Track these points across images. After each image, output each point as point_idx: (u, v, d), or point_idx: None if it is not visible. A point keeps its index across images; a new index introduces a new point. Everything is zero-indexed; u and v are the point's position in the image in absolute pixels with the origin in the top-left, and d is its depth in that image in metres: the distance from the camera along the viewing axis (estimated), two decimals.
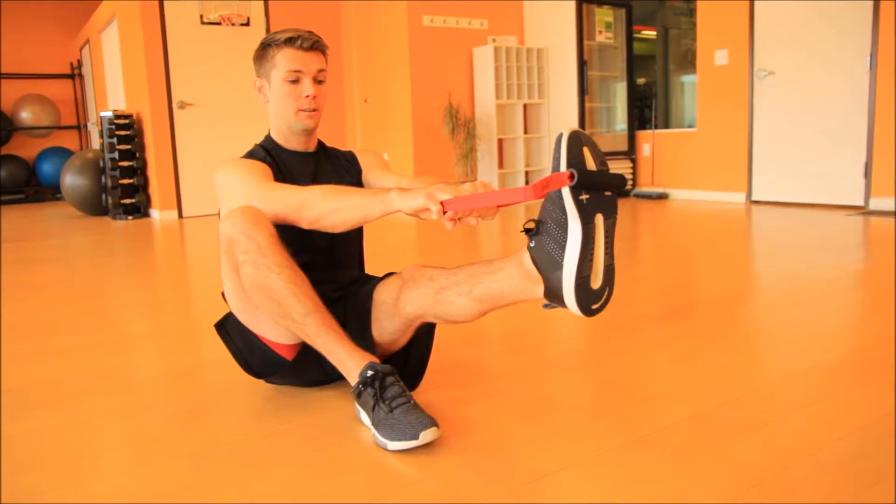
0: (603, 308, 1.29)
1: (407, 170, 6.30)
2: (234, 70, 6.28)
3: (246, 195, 1.44)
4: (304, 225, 1.40)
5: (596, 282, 1.25)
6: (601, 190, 1.24)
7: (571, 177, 1.18)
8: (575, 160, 1.20)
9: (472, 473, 1.21)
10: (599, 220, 1.24)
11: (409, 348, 1.61)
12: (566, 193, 1.21)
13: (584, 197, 1.22)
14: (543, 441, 1.34)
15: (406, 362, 1.61)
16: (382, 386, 1.35)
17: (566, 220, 1.22)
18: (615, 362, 1.84)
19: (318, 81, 1.61)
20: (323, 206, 1.36)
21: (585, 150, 1.23)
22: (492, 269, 1.36)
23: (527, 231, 1.29)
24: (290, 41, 1.57)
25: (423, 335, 1.61)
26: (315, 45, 1.59)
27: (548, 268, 1.26)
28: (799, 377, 1.65)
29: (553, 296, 1.28)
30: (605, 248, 1.26)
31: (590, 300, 1.25)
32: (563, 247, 1.23)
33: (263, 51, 1.61)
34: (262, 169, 1.53)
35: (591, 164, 1.23)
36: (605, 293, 1.28)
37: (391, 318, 1.52)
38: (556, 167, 1.22)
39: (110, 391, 1.75)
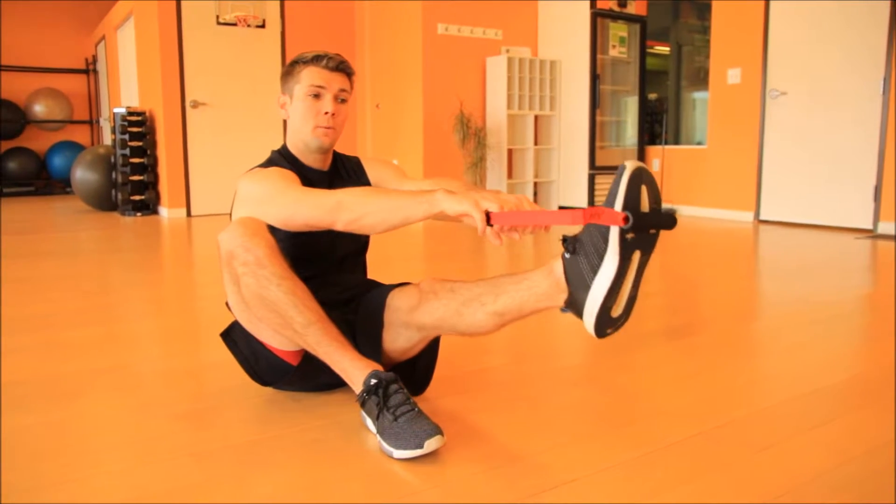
0: (615, 332, 1.31)
1: (416, 176, 6.31)
2: (248, 71, 6.32)
3: (279, 199, 1.42)
4: (340, 227, 1.35)
5: (617, 311, 1.27)
6: (649, 229, 1.24)
7: (626, 219, 1.17)
8: (632, 201, 1.19)
9: (476, 484, 1.21)
10: (637, 255, 1.25)
11: (416, 357, 1.62)
12: (613, 230, 1.21)
13: (630, 235, 1.22)
14: (547, 454, 1.34)
15: (413, 369, 1.63)
16: (386, 394, 1.35)
17: (605, 250, 1.23)
18: (619, 377, 1.84)
19: (339, 101, 1.63)
20: (362, 209, 1.31)
21: (643, 190, 1.21)
22: (517, 279, 1.38)
23: (565, 242, 1.30)
24: (316, 59, 1.61)
25: (429, 344, 1.62)
26: (340, 65, 1.62)
27: (576, 285, 1.28)
28: (803, 399, 1.65)
29: (574, 309, 1.30)
30: (634, 280, 1.27)
31: (606, 326, 1.28)
32: (595, 272, 1.24)
33: (291, 68, 1.65)
34: (291, 175, 1.52)
35: (645, 205, 1.21)
36: (622, 320, 1.31)
37: (406, 326, 1.53)
38: (610, 201, 1.20)
39: (114, 388, 1.75)
